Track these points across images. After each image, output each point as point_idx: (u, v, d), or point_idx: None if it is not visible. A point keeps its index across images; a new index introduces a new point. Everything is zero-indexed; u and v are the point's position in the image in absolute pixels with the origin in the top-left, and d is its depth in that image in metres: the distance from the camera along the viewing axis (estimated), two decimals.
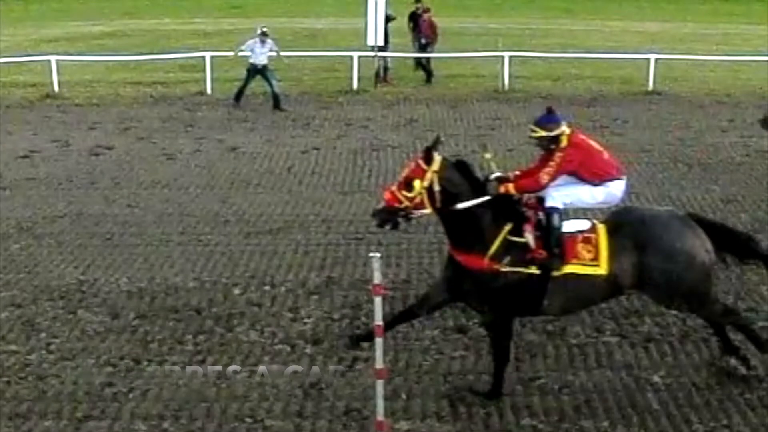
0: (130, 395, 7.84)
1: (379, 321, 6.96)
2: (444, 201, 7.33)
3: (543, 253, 7.31)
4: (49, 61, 22.81)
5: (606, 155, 7.59)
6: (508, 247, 7.33)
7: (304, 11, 39.36)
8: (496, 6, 44.04)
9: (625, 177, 7.67)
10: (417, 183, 7.30)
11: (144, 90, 23.39)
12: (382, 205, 7.47)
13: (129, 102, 21.98)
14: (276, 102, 20.79)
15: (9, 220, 12.73)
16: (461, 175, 7.43)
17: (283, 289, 10.22)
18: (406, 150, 16.82)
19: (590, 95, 22.38)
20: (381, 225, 7.56)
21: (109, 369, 8.31)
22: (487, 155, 7.81)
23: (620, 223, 7.54)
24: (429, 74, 24.02)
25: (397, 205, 7.37)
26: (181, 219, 12.82)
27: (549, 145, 7.56)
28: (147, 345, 8.81)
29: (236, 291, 10.13)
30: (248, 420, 7.46)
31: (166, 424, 7.42)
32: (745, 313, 8.95)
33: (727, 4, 45.54)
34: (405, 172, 7.45)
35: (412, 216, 7.46)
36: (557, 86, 23.70)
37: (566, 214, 7.57)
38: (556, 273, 7.32)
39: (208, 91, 22.55)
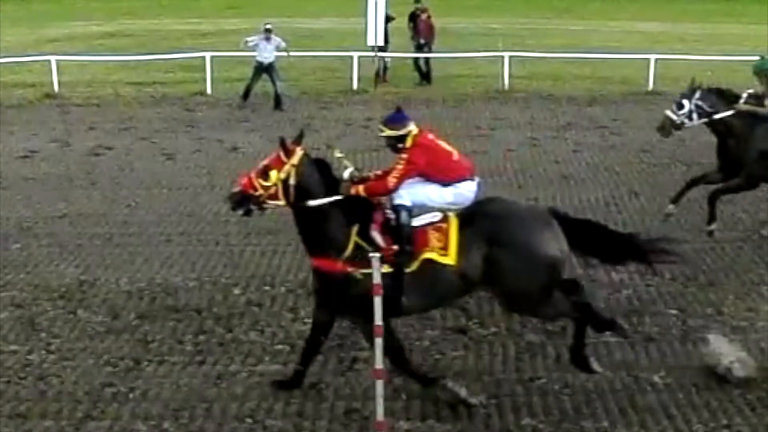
0: (130, 395, 7.85)
1: (379, 321, 6.96)
2: (298, 196, 7.38)
3: (392, 250, 7.29)
4: (49, 61, 22.81)
5: (456, 156, 7.60)
6: (360, 248, 7.32)
7: (304, 11, 39.35)
8: (496, 6, 44.03)
9: (476, 178, 7.64)
10: (274, 173, 7.36)
11: (144, 90, 23.39)
12: (237, 188, 7.49)
13: (129, 102, 21.97)
14: (277, 102, 20.80)
15: (9, 220, 12.73)
16: (319, 174, 7.46)
17: (283, 289, 10.22)
18: None
19: (590, 95, 22.38)
20: (234, 209, 7.58)
21: (109, 369, 8.32)
22: (338, 154, 7.81)
23: (476, 214, 7.50)
24: (427, 75, 24.01)
25: (252, 191, 7.42)
26: (181, 219, 12.83)
27: (396, 145, 7.57)
28: (147, 345, 8.82)
29: (236, 291, 10.14)
30: (248, 420, 7.46)
31: (166, 424, 7.42)
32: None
33: (727, 4, 45.52)
34: (265, 161, 7.48)
35: (266, 206, 7.48)
36: (557, 86, 23.70)
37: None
38: (409, 269, 7.30)
39: (208, 91, 22.55)
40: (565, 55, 26.43)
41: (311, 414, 7.52)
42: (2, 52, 25.22)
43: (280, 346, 8.68)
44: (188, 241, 11.83)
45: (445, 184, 7.46)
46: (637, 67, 23.72)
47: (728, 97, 11.57)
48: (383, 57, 23.97)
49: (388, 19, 23.94)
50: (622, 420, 7.43)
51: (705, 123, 11.63)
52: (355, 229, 7.35)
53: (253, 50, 21.19)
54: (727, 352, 8.01)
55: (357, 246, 7.32)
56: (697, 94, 11.52)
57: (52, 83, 22.55)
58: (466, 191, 7.52)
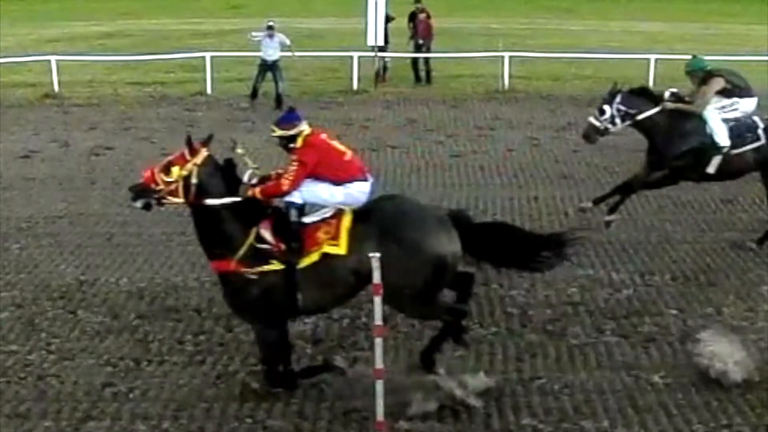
0: (130, 395, 7.85)
1: (379, 321, 6.96)
2: (197, 195, 7.42)
3: (281, 247, 7.34)
4: (49, 61, 22.80)
5: (348, 156, 7.64)
6: (255, 249, 7.37)
7: (304, 11, 39.34)
8: (496, 6, 44.02)
9: (370, 179, 7.67)
10: (176, 170, 7.41)
11: (144, 90, 23.38)
12: (140, 181, 7.56)
13: (129, 102, 21.97)
14: (278, 102, 20.80)
15: (9, 220, 12.73)
16: (222, 175, 7.52)
17: None
18: (406, 150, 16.85)
19: (590, 95, 22.29)
20: (133, 200, 7.68)
21: (109, 369, 8.32)
22: (239, 150, 7.84)
23: (372, 210, 7.55)
24: (427, 75, 24.00)
25: (153, 186, 7.48)
26: (181, 219, 12.79)
27: (288, 145, 7.62)
28: (147, 345, 8.81)
29: None
30: (248, 420, 7.46)
31: (166, 424, 7.42)
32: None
33: (727, 4, 45.51)
34: (169, 157, 7.55)
35: (165, 202, 7.54)
36: (557, 86, 23.70)
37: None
38: (301, 265, 7.35)
39: (208, 91, 22.54)
40: (565, 55, 26.42)
41: (311, 414, 7.52)
42: (2, 52, 25.21)
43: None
44: (188, 241, 11.78)
45: (336, 183, 7.51)
46: (637, 67, 23.70)
47: (652, 97, 11.54)
48: (383, 57, 23.96)
49: (388, 19, 23.94)
50: (622, 420, 7.43)
51: (631, 125, 11.56)
52: (254, 230, 7.41)
53: (257, 49, 21.20)
54: (722, 353, 7.97)
55: (252, 247, 7.37)
56: (618, 98, 11.51)
57: (52, 83, 22.54)
58: (356, 191, 7.56)
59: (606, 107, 11.56)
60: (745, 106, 11.35)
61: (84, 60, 25.28)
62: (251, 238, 7.39)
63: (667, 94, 11.51)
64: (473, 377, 7.75)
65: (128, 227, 12.39)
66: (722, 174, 11.47)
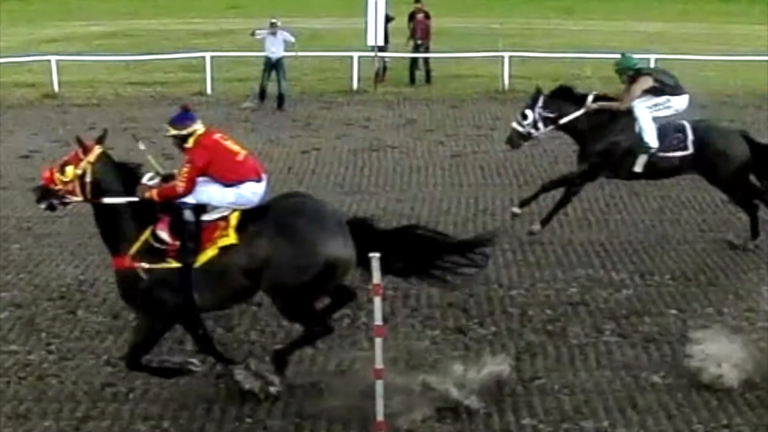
0: (130, 395, 7.84)
1: (379, 321, 6.96)
2: (93, 193, 7.50)
3: (176, 245, 7.37)
4: (49, 61, 22.80)
5: (241, 157, 7.66)
6: (150, 246, 7.42)
7: (304, 11, 39.34)
8: (496, 6, 44.01)
9: (264, 180, 7.69)
10: (70, 169, 7.55)
11: (144, 90, 23.38)
12: (41, 183, 7.67)
13: (129, 102, 21.97)
14: (280, 101, 20.81)
15: (9, 220, 12.73)
16: (117, 172, 7.63)
17: None
18: (406, 150, 16.85)
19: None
20: (37, 202, 7.75)
21: (109, 369, 8.31)
22: (141, 147, 7.87)
23: (271, 206, 7.60)
24: (426, 74, 24.01)
25: (52, 186, 7.60)
26: None
27: (182, 145, 7.67)
28: None
29: None
30: (248, 420, 7.46)
31: (166, 424, 7.42)
32: None
33: (727, 4, 45.51)
34: (65, 157, 7.68)
35: (66, 201, 7.63)
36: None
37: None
38: (198, 264, 7.38)
39: (208, 91, 22.55)
40: (565, 55, 26.42)
41: (311, 414, 7.52)
42: (2, 52, 25.22)
43: (280, 346, 8.66)
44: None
45: (228, 184, 7.53)
46: None
47: (574, 98, 11.51)
48: (383, 57, 23.96)
49: (388, 19, 23.94)
50: (622, 420, 7.43)
51: (556, 128, 11.56)
52: (149, 229, 7.45)
53: (259, 48, 21.22)
54: (716, 355, 7.96)
55: (148, 245, 7.41)
56: (540, 102, 11.50)
57: (52, 83, 22.54)
58: (248, 192, 7.57)
59: (528, 112, 11.55)
60: (678, 103, 11.33)
61: (84, 60, 25.27)
62: (146, 236, 7.43)
63: (590, 98, 11.46)
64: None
65: None
66: (652, 173, 11.46)
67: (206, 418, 7.50)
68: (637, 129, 11.24)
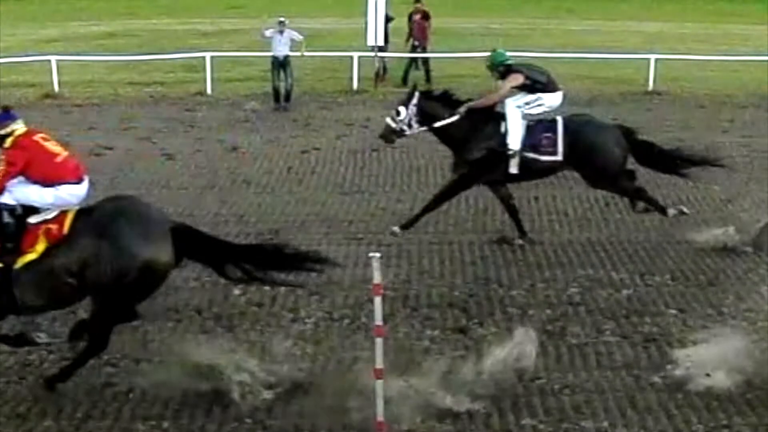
0: (130, 395, 7.84)
1: (379, 321, 6.96)
2: None
3: None
4: (49, 61, 22.81)
5: (61, 158, 7.71)
6: None
7: (304, 11, 39.35)
8: (496, 6, 44.01)
9: (84, 181, 7.78)
10: None
11: (144, 90, 23.38)
12: None
13: (129, 102, 21.97)
14: (286, 99, 20.82)
15: None
16: None
17: (283, 289, 10.20)
18: (407, 150, 16.82)
19: (590, 95, 22.36)
20: None
21: (109, 369, 8.31)
22: None
23: (96, 208, 7.67)
24: (426, 74, 24.00)
25: None
26: (181, 219, 12.76)
27: (0, 145, 7.66)
28: (147, 345, 8.81)
29: (236, 291, 10.12)
30: (248, 420, 7.46)
31: (166, 424, 7.42)
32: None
33: (727, 4, 45.51)
34: None
35: None
36: None
37: None
38: (19, 265, 7.38)
39: (208, 91, 22.55)
40: (565, 55, 26.41)
41: (311, 414, 7.51)
42: (2, 52, 25.21)
43: (280, 346, 8.67)
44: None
45: (46, 185, 7.55)
46: (637, 67, 23.73)
47: (450, 103, 11.49)
48: (383, 57, 23.96)
49: (388, 19, 23.94)
50: (622, 420, 7.43)
51: (428, 130, 11.53)
52: None
53: (265, 47, 21.24)
54: (702, 361, 7.95)
55: None
56: (415, 101, 11.44)
57: (52, 83, 22.54)
58: (66, 194, 7.62)
59: (402, 109, 11.50)
60: (550, 101, 11.35)
61: (84, 60, 25.28)
62: None
63: (464, 107, 11.42)
64: None
65: None
66: (529, 173, 11.43)
67: (206, 418, 7.50)
68: (503, 129, 11.17)
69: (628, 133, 11.56)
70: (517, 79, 11.29)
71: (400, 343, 8.69)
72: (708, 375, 7.79)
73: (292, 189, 14.30)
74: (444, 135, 11.55)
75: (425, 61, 24.22)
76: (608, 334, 8.99)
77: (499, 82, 11.55)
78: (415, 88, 11.74)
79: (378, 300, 6.91)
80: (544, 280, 10.41)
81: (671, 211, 11.61)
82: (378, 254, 6.95)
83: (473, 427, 7.35)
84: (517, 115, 11.17)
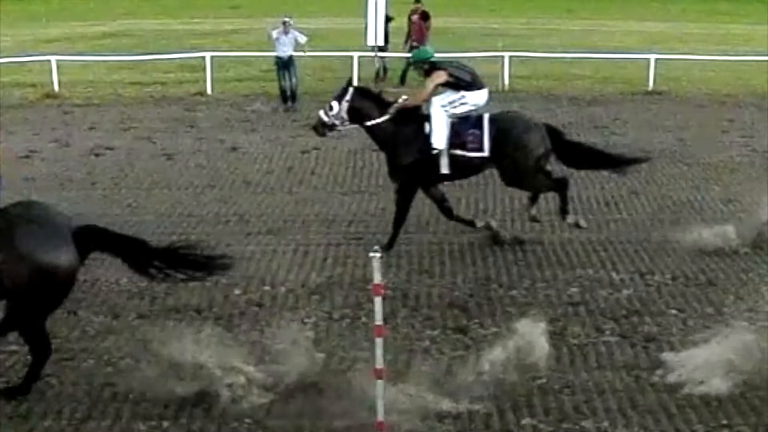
0: (130, 395, 7.84)
1: (379, 321, 6.96)
2: None
3: None
4: (49, 61, 22.83)
5: None
6: None
7: (304, 11, 39.35)
8: (496, 6, 44.02)
9: None
10: None
11: (144, 90, 23.39)
12: None
13: (129, 102, 21.98)
14: (293, 99, 20.83)
15: None
16: None
17: (283, 289, 10.22)
18: None
19: (590, 95, 22.39)
20: None
21: (109, 369, 8.31)
22: None
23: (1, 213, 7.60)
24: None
25: None
26: (181, 219, 12.82)
27: None
28: (147, 345, 8.80)
29: (236, 291, 10.13)
30: (248, 420, 7.45)
31: (166, 424, 7.42)
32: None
33: (727, 4, 45.51)
34: None
35: None
36: (557, 86, 23.71)
37: None
38: None
39: (208, 91, 22.56)
40: (565, 55, 26.44)
41: (311, 414, 7.51)
42: (2, 52, 25.22)
43: (280, 346, 8.67)
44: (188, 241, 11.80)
45: None
46: (637, 67, 23.73)
47: (382, 103, 11.48)
48: (383, 57, 23.96)
49: (388, 19, 23.94)
50: (622, 420, 7.42)
51: (360, 127, 11.51)
52: None
53: (263, 47, 21.24)
54: (703, 361, 7.94)
55: None
56: (348, 96, 11.41)
57: (52, 83, 22.55)
58: None
59: (335, 104, 11.49)
60: (475, 99, 11.28)
61: (84, 60, 25.29)
62: None
63: (400, 101, 11.40)
64: None
65: (128, 227, 12.36)
66: (460, 172, 11.40)
67: (206, 418, 7.50)
68: (427, 130, 11.17)
69: (554, 134, 11.51)
70: (441, 76, 11.28)
71: (400, 343, 8.70)
72: (702, 383, 7.77)
73: (292, 189, 14.30)
74: (374, 134, 11.56)
75: None
76: (608, 334, 8.99)
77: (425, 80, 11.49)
78: (349, 83, 11.73)
79: (378, 300, 6.91)
80: (544, 280, 10.41)
81: (570, 218, 11.52)
82: (378, 254, 6.95)
83: (473, 427, 7.35)
84: (441, 115, 11.15)
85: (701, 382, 7.82)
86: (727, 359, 7.94)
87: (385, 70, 24.24)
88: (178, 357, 8.32)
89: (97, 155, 16.64)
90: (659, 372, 8.13)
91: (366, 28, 23.47)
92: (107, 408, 7.65)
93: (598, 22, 38.67)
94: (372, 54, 23.48)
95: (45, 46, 28.30)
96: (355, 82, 22.77)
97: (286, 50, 20.94)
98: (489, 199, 13.68)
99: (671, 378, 7.97)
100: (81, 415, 7.55)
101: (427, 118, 11.24)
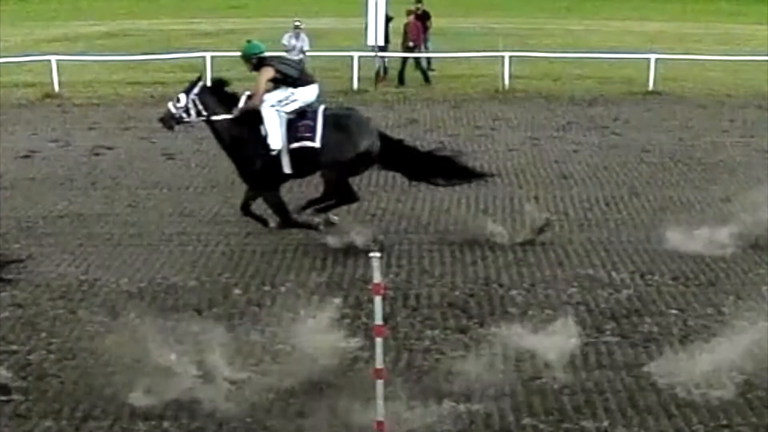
0: (130, 395, 7.83)
1: (379, 321, 6.96)
2: None
3: None
4: (49, 61, 22.84)
5: None
6: None
7: (304, 11, 39.35)
8: (496, 6, 44.02)
9: None
10: None
11: (144, 90, 23.39)
12: None
13: (129, 102, 21.98)
14: None
15: (9, 220, 12.72)
16: None
17: (283, 289, 10.22)
18: None
19: (590, 95, 22.40)
20: None
21: (109, 369, 8.31)
22: None
23: None
24: (424, 75, 24.04)
25: None
26: (181, 219, 12.82)
27: None
28: (147, 345, 8.80)
29: (236, 291, 10.13)
30: (248, 420, 7.45)
31: (166, 424, 7.42)
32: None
33: (727, 4, 45.52)
34: None
35: None
36: (557, 86, 23.72)
37: None
38: None
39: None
40: (565, 55, 26.46)
41: (311, 414, 7.51)
42: (2, 52, 25.23)
43: (280, 346, 8.67)
44: (188, 241, 11.83)
45: None
46: (637, 67, 23.74)
47: (228, 99, 11.46)
48: (383, 57, 23.97)
49: (389, 19, 23.96)
50: (622, 420, 7.42)
51: (205, 122, 11.52)
52: None
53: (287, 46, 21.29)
54: (694, 367, 7.95)
55: None
56: (196, 90, 11.41)
57: (52, 83, 22.56)
58: None
59: (182, 96, 11.50)
60: (304, 95, 11.28)
61: (84, 60, 25.30)
62: None
63: (243, 98, 11.39)
64: None
65: (128, 227, 12.40)
66: (302, 170, 11.39)
67: (206, 418, 7.49)
68: (263, 132, 11.17)
69: (385, 139, 11.54)
70: (268, 72, 11.29)
71: (400, 343, 8.70)
72: (702, 383, 7.77)
73: (292, 189, 14.28)
74: (216, 132, 11.59)
75: (424, 60, 24.23)
76: (608, 334, 8.98)
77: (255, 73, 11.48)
78: (199, 78, 11.73)
79: (378, 300, 6.91)
80: (544, 280, 10.41)
81: (319, 221, 11.50)
82: (378, 254, 6.94)
83: (473, 427, 7.35)
84: (273, 115, 11.15)
85: (701, 383, 7.82)
86: (728, 359, 7.95)
87: (385, 70, 24.26)
88: (178, 357, 8.34)
89: (97, 155, 16.65)
90: (659, 372, 8.13)
91: (366, 28, 23.47)
92: (107, 408, 7.65)
93: (598, 22, 38.68)
94: (372, 54, 23.48)
95: (45, 46, 28.30)
96: (356, 83, 22.94)
97: (294, 55, 20.94)
98: (489, 199, 13.68)
99: (671, 378, 7.97)
100: (81, 415, 7.54)
101: (261, 120, 11.22)
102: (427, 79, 23.96)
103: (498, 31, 31.60)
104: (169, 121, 11.69)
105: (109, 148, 17.11)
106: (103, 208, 13.30)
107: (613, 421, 7.41)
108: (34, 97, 22.32)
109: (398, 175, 15.07)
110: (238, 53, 12.28)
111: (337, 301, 9.77)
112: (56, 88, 22.51)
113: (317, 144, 11.17)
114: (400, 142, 11.95)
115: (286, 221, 11.58)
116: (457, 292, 10.08)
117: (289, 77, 11.28)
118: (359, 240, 11.15)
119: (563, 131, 18.49)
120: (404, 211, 12.91)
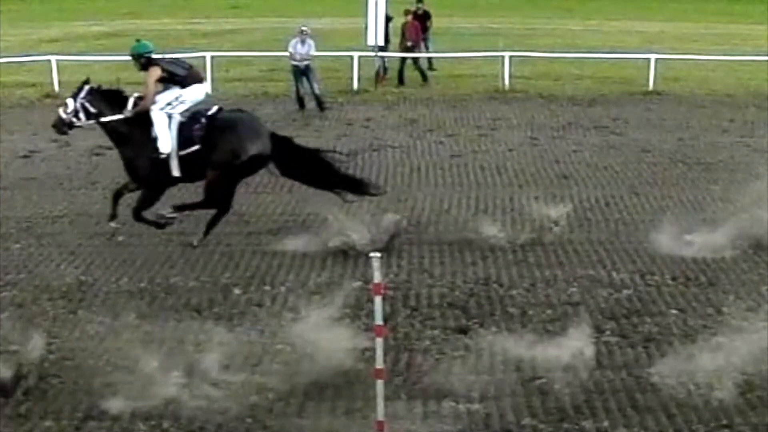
0: (131, 395, 7.84)
1: (379, 321, 6.96)
2: None
3: None
4: (49, 61, 22.83)
5: None
6: None
7: (304, 11, 39.35)
8: (496, 6, 44.02)
9: None
10: None
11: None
12: None
13: None
14: (319, 104, 20.78)
15: (9, 220, 12.73)
16: None
17: (283, 289, 10.22)
18: (407, 150, 16.86)
19: (590, 95, 22.40)
20: None
21: (109, 369, 8.31)
22: None
23: None
24: (422, 75, 24.05)
25: None
26: (181, 219, 12.80)
27: None
28: (147, 345, 8.80)
29: (236, 291, 10.13)
30: (248, 420, 7.46)
31: (166, 424, 7.42)
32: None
33: (727, 3, 45.52)
34: None
35: None
36: (557, 86, 23.71)
37: None
38: None
39: (208, 91, 22.51)
40: (565, 55, 26.45)
41: (311, 414, 7.52)
42: (2, 52, 25.22)
43: (280, 346, 8.68)
44: (188, 241, 11.82)
45: None
46: (637, 67, 23.74)
47: (118, 100, 11.49)
48: (383, 57, 23.97)
49: (389, 19, 23.97)
50: (622, 420, 7.42)
51: (97, 125, 11.53)
52: None
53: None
54: (703, 361, 7.95)
55: None
56: (83, 93, 11.41)
57: (52, 83, 22.55)
58: None
59: (70, 100, 11.52)
60: (191, 95, 11.32)
61: (84, 60, 25.25)
62: None
63: (132, 99, 11.43)
64: None
65: (128, 227, 12.38)
66: (194, 173, 11.34)
67: (206, 418, 7.50)
68: (153, 134, 11.16)
69: (280, 142, 11.53)
70: (156, 72, 11.36)
71: (400, 343, 8.70)
72: (702, 383, 7.77)
73: (292, 189, 14.28)
74: (108, 132, 11.61)
75: (415, 60, 24.21)
76: (608, 334, 8.98)
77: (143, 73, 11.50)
78: (86, 81, 11.73)
79: (378, 300, 6.91)
80: (544, 280, 10.41)
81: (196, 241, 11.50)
82: (378, 254, 6.94)
83: (473, 427, 7.35)
84: (162, 119, 11.17)
85: (701, 383, 7.82)
86: (728, 359, 7.95)
87: (385, 69, 24.25)
88: (178, 357, 8.35)
89: (97, 155, 16.63)
90: (659, 372, 8.13)
91: (366, 28, 23.48)
92: (107, 408, 7.65)
93: (598, 22, 38.68)
94: (372, 54, 23.49)
95: (45, 46, 28.30)
96: (356, 83, 22.94)
97: (300, 59, 20.89)
98: (489, 199, 13.68)
99: (671, 378, 7.97)
100: (81, 415, 7.54)
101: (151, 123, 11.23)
102: (425, 79, 23.95)
103: (498, 31, 31.62)
104: (62, 127, 11.71)
105: (110, 148, 17.03)
106: (103, 208, 13.27)
107: (613, 421, 7.41)
108: (34, 97, 22.32)
109: (398, 175, 15.16)
110: (238, 53, 12.25)
111: (337, 301, 9.79)
112: (56, 88, 22.49)
113: (203, 147, 11.13)
114: (290, 140, 11.80)
115: (136, 215, 11.57)
116: (457, 292, 10.09)
117: (177, 76, 11.34)
118: (359, 240, 11.15)
119: (563, 131, 18.50)
120: (404, 211, 12.91)
